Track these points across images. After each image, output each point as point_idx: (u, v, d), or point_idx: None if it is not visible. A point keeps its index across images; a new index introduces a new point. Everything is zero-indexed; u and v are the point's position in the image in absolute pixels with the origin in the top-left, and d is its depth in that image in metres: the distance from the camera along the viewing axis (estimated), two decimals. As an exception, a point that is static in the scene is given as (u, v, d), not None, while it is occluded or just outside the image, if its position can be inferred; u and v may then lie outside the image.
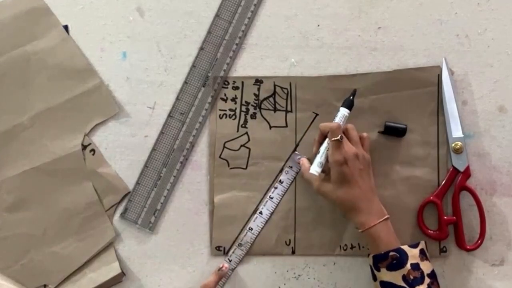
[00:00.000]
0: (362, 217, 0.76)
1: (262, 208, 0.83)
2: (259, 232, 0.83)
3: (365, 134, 0.80)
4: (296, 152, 0.84)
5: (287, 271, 0.84)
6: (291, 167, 0.84)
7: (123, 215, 0.84)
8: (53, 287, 0.83)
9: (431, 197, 0.82)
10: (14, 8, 0.84)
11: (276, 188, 0.83)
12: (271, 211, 0.83)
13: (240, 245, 0.83)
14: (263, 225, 0.83)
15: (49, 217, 0.83)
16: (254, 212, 0.83)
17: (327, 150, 0.77)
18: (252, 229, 0.83)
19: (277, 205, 0.83)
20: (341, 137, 0.76)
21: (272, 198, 0.83)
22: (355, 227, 0.78)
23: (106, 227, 0.83)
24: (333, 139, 0.76)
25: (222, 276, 0.82)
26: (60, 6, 0.85)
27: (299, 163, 0.83)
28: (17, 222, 0.83)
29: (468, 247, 0.82)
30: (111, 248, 0.84)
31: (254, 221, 0.83)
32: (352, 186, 0.76)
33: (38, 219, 0.83)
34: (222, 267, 0.82)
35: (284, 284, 0.84)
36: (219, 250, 0.84)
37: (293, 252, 0.84)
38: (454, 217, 0.82)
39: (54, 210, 0.83)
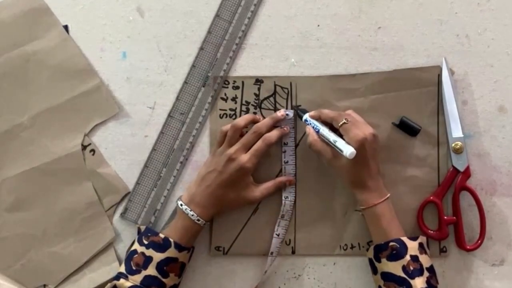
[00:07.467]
0: (367, 195, 0.77)
1: None
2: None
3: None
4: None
5: (287, 271, 0.84)
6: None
7: (123, 215, 0.84)
8: (53, 287, 0.83)
9: (431, 197, 0.82)
10: (14, 8, 0.84)
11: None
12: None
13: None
14: None
15: (49, 217, 0.83)
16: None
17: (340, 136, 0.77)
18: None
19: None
20: (347, 120, 0.76)
21: None
22: (358, 205, 0.79)
23: (106, 227, 0.83)
24: (340, 124, 0.76)
25: (278, 187, 0.83)
26: (60, 6, 0.85)
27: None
28: (17, 222, 0.83)
29: (468, 247, 0.82)
30: (111, 248, 0.84)
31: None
32: (365, 165, 0.77)
33: (38, 219, 0.83)
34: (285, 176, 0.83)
35: (284, 284, 0.84)
36: (219, 250, 0.83)
37: (293, 252, 0.84)
38: (454, 217, 0.82)
39: (54, 210, 0.83)
